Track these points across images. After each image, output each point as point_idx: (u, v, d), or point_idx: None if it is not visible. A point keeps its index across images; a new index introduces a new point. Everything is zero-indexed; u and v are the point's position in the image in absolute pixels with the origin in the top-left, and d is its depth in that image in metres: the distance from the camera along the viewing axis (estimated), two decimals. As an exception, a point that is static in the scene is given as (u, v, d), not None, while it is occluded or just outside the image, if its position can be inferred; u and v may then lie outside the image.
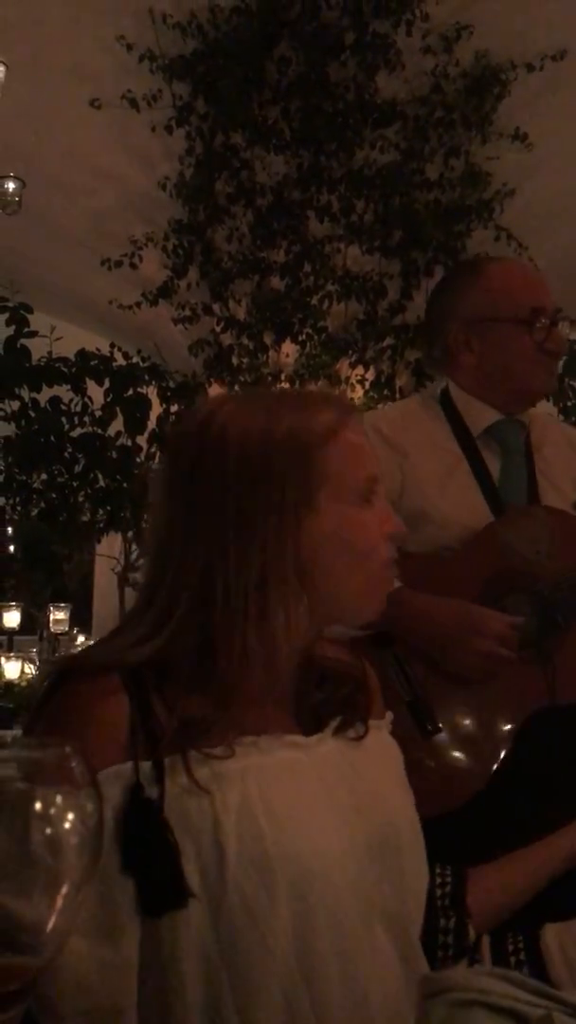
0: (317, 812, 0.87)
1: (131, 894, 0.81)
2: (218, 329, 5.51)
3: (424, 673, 1.55)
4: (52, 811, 0.49)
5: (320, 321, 5.43)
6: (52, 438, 5.05)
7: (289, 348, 5.55)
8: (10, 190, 3.36)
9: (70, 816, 0.49)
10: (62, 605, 3.11)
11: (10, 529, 5.72)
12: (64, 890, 0.49)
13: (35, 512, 5.24)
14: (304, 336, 5.46)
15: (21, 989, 0.48)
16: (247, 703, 0.91)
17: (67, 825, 0.49)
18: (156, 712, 0.87)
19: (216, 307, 5.48)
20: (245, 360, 5.55)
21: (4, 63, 3.32)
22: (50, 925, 0.49)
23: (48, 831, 0.49)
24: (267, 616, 0.91)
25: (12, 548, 5.73)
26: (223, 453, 0.92)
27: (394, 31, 4.96)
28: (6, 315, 4.84)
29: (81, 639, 4.53)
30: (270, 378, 5.57)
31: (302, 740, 0.93)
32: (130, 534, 5.32)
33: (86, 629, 5.99)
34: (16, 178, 3.36)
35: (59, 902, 0.48)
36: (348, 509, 0.94)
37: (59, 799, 0.49)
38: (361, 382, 5.55)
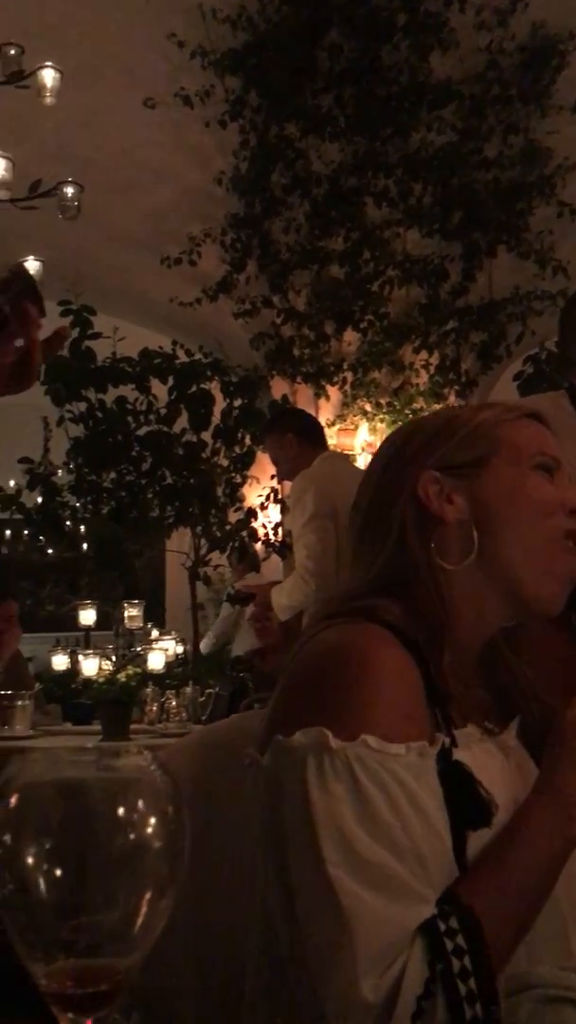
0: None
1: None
2: (278, 321, 5.51)
3: None
4: (134, 816, 0.49)
5: (381, 307, 5.39)
6: (119, 438, 5.12)
7: (351, 336, 5.52)
8: (69, 195, 3.40)
9: (152, 821, 0.50)
10: (135, 602, 3.15)
11: (82, 528, 5.82)
12: (148, 895, 0.49)
13: (105, 511, 5.32)
14: (365, 323, 5.42)
15: (110, 990, 0.49)
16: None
17: (149, 830, 0.49)
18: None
19: (276, 299, 5.48)
20: (306, 351, 5.54)
21: (59, 69, 3.36)
22: (135, 929, 0.49)
23: (132, 836, 0.49)
24: (455, 585, 0.94)
25: (85, 547, 5.84)
26: (407, 434, 1.02)
27: (446, 9, 4.88)
28: (70, 318, 4.91)
29: (155, 634, 4.59)
30: (332, 368, 5.55)
31: (503, 736, 0.95)
32: (199, 529, 5.37)
33: (160, 624, 6.06)
34: (74, 183, 3.40)
35: (143, 907, 0.49)
36: (525, 472, 0.97)
37: (140, 804, 0.50)
38: (425, 367, 5.50)
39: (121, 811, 0.49)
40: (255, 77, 4.98)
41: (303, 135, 5.16)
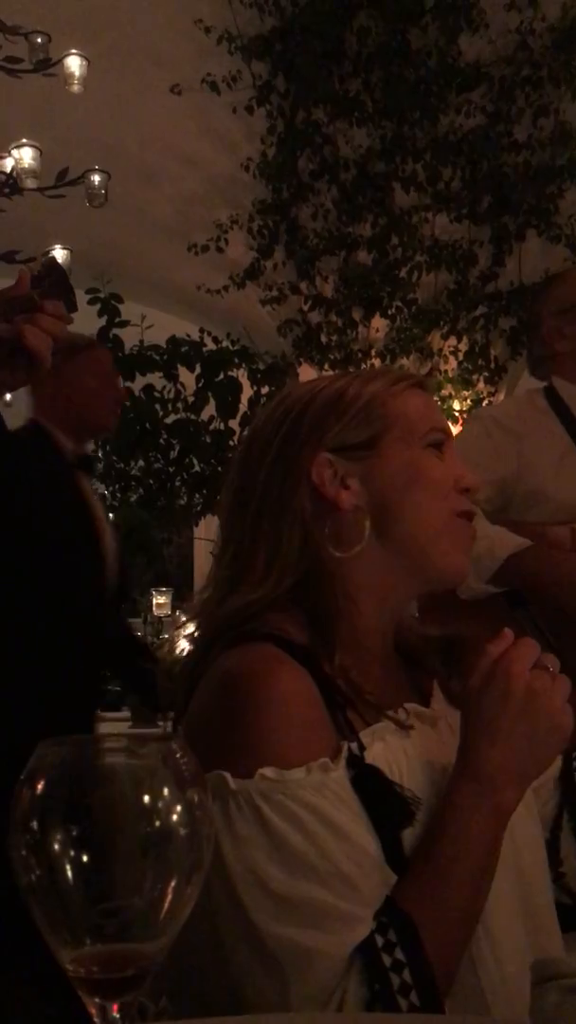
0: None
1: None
2: (306, 308, 5.49)
3: (560, 632, 1.58)
4: (160, 804, 0.50)
5: (409, 293, 5.35)
6: (147, 426, 5.14)
7: (379, 323, 5.49)
8: (96, 183, 3.40)
9: (178, 809, 0.50)
10: (163, 590, 3.17)
11: (111, 515, 5.87)
12: (174, 882, 0.49)
13: (134, 499, 5.35)
14: (393, 310, 5.39)
15: (137, 974, 0.50)
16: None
17: (175, 818, 0.50)
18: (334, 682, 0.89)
19: (303, 286, 5.46)
20: (334, 338, 5.51)
21: (85, 57, 3.36)
22: (161, 915, 0.49)
23: (157, 824, 0.49)
24: (351, 573, 0.92)
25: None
26: (295, 412, 0.96)
27: (476, -11, 4.82)
28: (98, 306, 4.92)
29: (183, 619, 4.62)
30: (360, 354, 5.53)
31: (426, 712, 0.94)
32: (227, 517, 5.38)
33: (188, 611, 6.10)
34: (101, 171, 3.40)
35: (169, 893, 0.49)
36: (415, 451, 0.94)
37: (167, 792, 0.50)
38: (454, 353, 5.46)
39: (147, 798, 0.50)
40: (282, 62, 4.95)
41: (331, 120, 5.13)
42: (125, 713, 2.95)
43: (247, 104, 5.04)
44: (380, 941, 0.77)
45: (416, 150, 5.11)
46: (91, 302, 4.84)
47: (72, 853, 0.48)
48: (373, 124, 5.12)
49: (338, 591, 0.91)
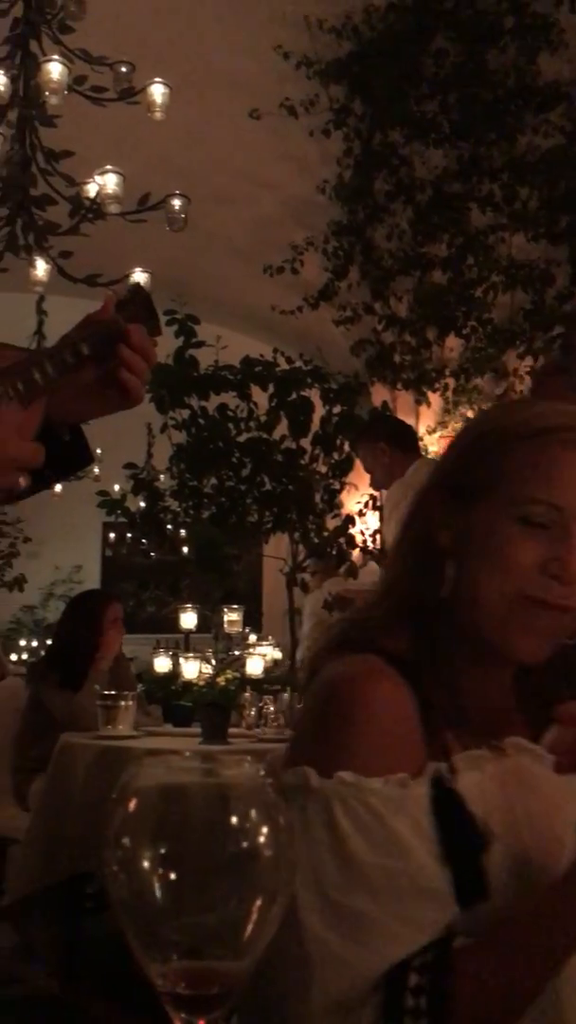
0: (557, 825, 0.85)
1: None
2: (379, 328, 5.50)
3: None
4: (247, 825, 0.51)
5: (485, 313, 5.32)
6: (220, 444, 5.19)
7: (453, 343, 5.46)
8: (176, 207, 3.47)
9: (264, 830, 0.51)
10: (235, 607, 3.19)
11: (183, 531, 5.93)
12: (258, 902, 0.50)
13: (206, 515, 5.41)
14: (468, 329, 5.36)
15: (222, 993, 0.50)
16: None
17: (262, 839, 0.51)
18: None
19: (377, 306, 5.47)
20: (407, 357, 5.51)
21: (167, 84, 3.44)
22: (246, 934, 0.50)
23: (244, 844, 0.50)
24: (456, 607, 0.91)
25: (185, 550, 5.95)
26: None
27: (556, 10, 4.79)
28: (175, 327, 5.01)
29: (253, 638, 4.63)
30: (433, 374, 5.51)
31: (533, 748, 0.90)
32: (296, 535, 5.39)
33: (256, 628, 6.12)
34: (182, 195, 3.47)
35: (254, 913, 0.50)
36: (502, 521, 0.88)
37: (253, 813, 0.51)
38: (530, 373, 5.40)
39: (234, 819, 0.51)
40: (359, 85, 4.99)
41: (407, 141, 5.15)
42: (195, 729, 2.97)
43: (324, 127, 5.10)
44: (413, 980, 0.76)
45: (492, 170, 5.10)
46: (168, 323, 4.93)
47: (161, 870, 0.49)
48: (449, 144, 5.13)
49: (443, 621, 0.91)
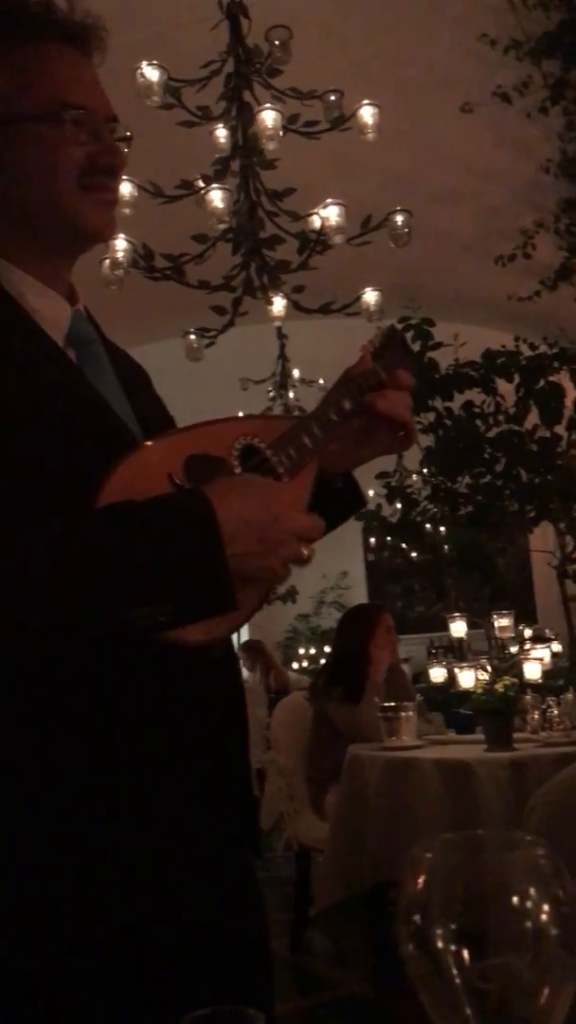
0: None
1: None
2: (626, 298, 5.22)
3: None
4: (528, 904, 0.54)
5: None
6: (469, 442, 5.16)
7: None
8: (399, 223, 3.49)
9: (546, 908, 0.53)
10: (505, 612, 3.15)
11: (442, 528, 5.94)
12: (546, 991, 0.52)
13: (463, 514, 5.39)
14: None
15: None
16: None
17: (544, 917, 0.53)
18: None
19: (620, 276, 5.20)
20: None
21: (376, 104, 3.48)
22: (537, 1012, 0.53)
23: (527, 924, 0.53)
24: None
25: (445, 548, 5.95)
26: None
27: None
28: (411, 333, 5.04)
29: (528, 633, 4.53)
30: None
31: None
32: (562, 526, 5.24)
33: (531, 621, 5.98)
34: (403, 210, 3.49)
35: (545, 991, 0.53)
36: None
37: (533, 892, 0.54)
38: None
39: (515, 899, 0.54)
40: (573, 56, 4.77)
41: (631, 102, 4.86)
42: (478, 736, 2.97)
43: (541, 106, 4.92)
44: None
45: None
46: (404, 330, 4.97)
47: (453, 948, 0.54)
48: None
49: None
